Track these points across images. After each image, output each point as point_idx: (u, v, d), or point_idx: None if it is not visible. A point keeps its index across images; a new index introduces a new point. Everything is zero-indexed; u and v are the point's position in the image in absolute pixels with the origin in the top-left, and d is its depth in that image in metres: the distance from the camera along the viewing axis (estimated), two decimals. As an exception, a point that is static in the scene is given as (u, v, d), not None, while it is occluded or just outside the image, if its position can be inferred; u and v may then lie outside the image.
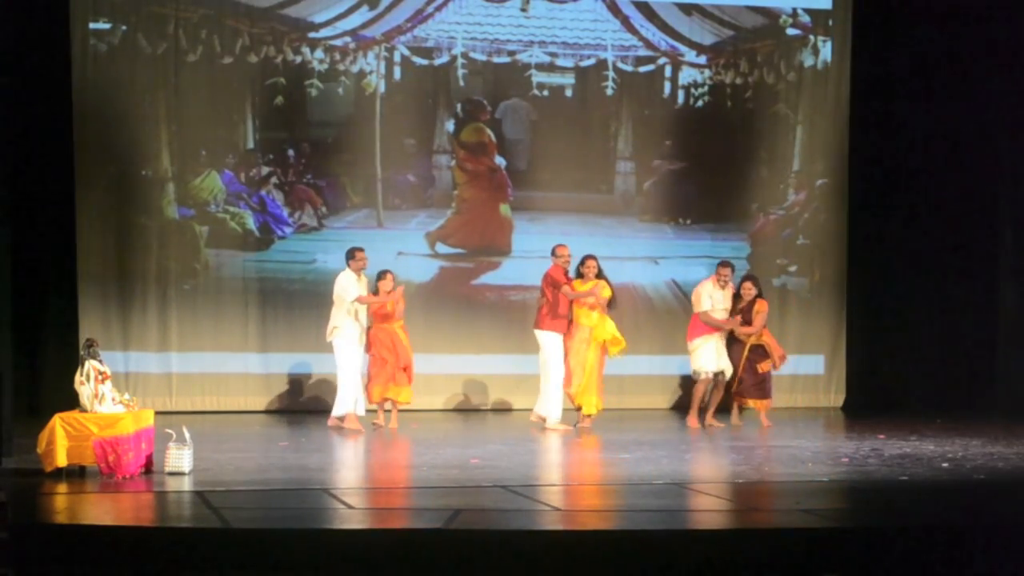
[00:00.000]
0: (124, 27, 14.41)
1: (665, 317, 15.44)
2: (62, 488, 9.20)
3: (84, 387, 9.67)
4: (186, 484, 9.36)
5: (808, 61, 15.99)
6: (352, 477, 10.70)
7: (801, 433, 13.23)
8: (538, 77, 15.45)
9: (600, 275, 13.19)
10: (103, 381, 9.72)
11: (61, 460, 9.45)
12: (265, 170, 14.84)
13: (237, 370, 14.70)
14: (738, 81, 15.83)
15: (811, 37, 16.01)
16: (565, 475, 10.90)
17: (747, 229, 15.92)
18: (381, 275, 13.09)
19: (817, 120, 16.00)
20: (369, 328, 13.02)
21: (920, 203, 15.88)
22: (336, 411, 13.03)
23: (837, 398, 16.08)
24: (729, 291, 13.59)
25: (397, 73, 15.12)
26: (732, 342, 13.54)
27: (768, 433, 13.07)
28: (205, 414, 14.19)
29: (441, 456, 11.06)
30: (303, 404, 14.74)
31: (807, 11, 15.99)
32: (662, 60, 15.66)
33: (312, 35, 14.89)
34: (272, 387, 14.80)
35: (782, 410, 15.35)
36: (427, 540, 7.70)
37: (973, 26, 15.45)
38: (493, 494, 9.14)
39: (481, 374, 15.23)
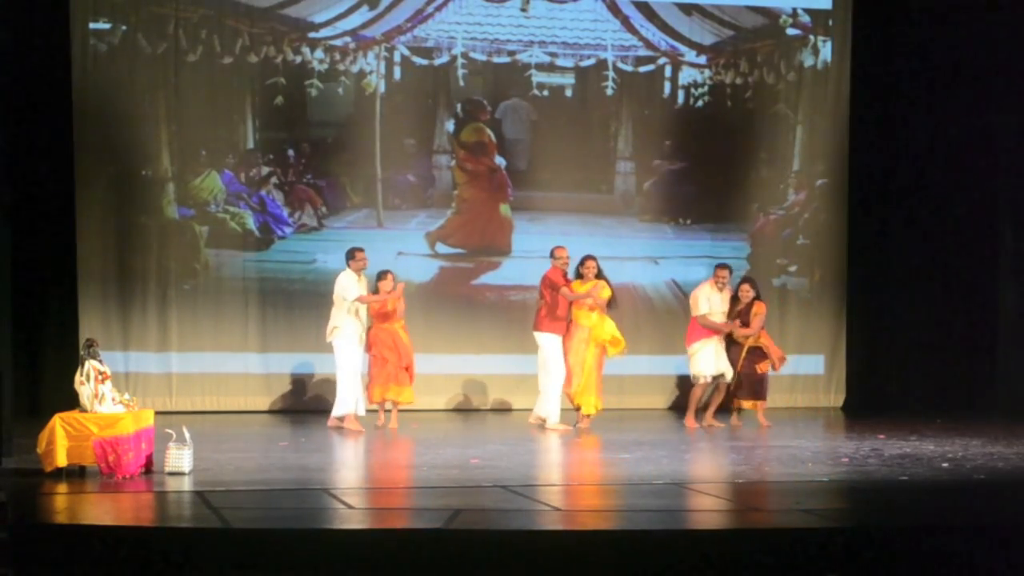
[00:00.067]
0: (124, 27, 14.41)
1: (665, 317, 15.44)
2: (62, 488, 9.20)
3: (84, 387, 9.67)
4: (186, 484, 9.36)
5: (808, 61, 15.99)
6: (352, 477, 10.70)
7: (801, 433, 13.23)
8: (538, 77, 15.45)
9: (599, 275, 13.19)
10: (103, 381, 9.72)
11: (61, 460, 9.45)
12: (265, 170, 14.85)
13: (237, 370, 14.70)
14: (738, 81, 15.83)
15: (811, 37, 16.01)
16: (565, 475, 10.90)
17: (747, 229, 15.92)
18: (381, 275, 13.09)
19: (817, 120, 16.00)
20: (369, 328, 13.02)
21: (920, 203, 15.88)
22: (336, 412, 13.03)
23: (837, 398, 16.08)
24: (727, 294, 13.59)
25: (397, 73, 15.12)
26: (730, 344, 13.54)
27: (768, 433, 13.07)
28: (205, 414, 14.19)
29: (441, 456, 11.06)
30: (303, 404, 14.74)
31: (807, 11, 16.00)
32: (662, 60, 15.66)
33: (312, 35, 14.89)
34: (272, 387, 14.80)
35: (782, 410, 15.37)
36: (427, 540, 7.70)
37: (973, 26, 15.45)
38: (493, 494, 9.14)
39: (481, 374, 15.23)
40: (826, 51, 16.02)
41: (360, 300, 12.87)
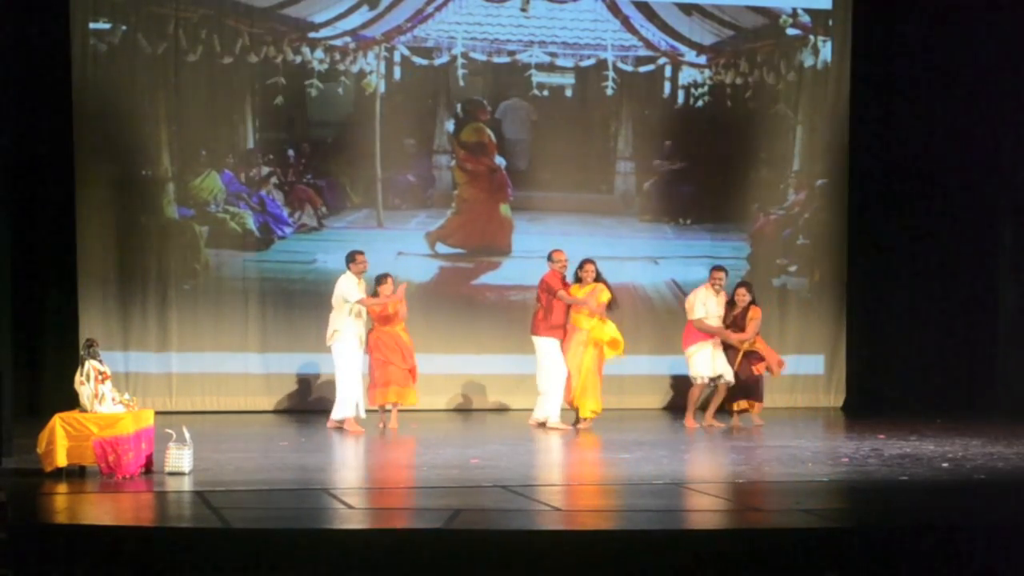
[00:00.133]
0: (124, 27, 14.41)
1: (665, 317, 15.43)
2: (62, 488, 9.20)
3: (84, 387, 9.67)
4: (186, 484, 9.36)
5: (808, 61, 15.99)
6: (352, 477, 10.70)
7: (801, 433, 13.23)
8: (538, 77, 15.45)
9: (598, 279, 13.19)
10: (103, 381, 9.72)
11: (61, 460, 9.45)
12: (265, 170, 14.84)
13: (237, 370, 14.69)
14: (738, 81, 15.83)
15: (811, 37, 16.01)
16: (565, 475, 10.90)
17: (747, 229, 15.92)
18: (381, 279, 13.07)
19: (817, 120, 16.00)
20: (370, 331, 13.01)
21: (920, 203, 15.87)
22: (335, 414, 13.01)
23: (837, 398, 16.08)
24: (723, 297, 13.59)
25: (397, 73, 15.12)
26: (727, 346, 13.55)
27: (766, 433, 13.06)
28: (205, 414, 14.19)
29: (441, 456, 11.06)
30: (303, 404, 14.73)
31: (807, 11, 15.99)
32: (662, 60, 15.66)
33: (312, 35, 14.89)
34: (272, 387, 14.80)
35: (782, 410, 15.38)
36: (427, 540, 7.71)
37: (973, 26, 15.45)
38: (493, 494, 9.14)
39: (481, 374, 15.23)
40: (826, 51, 16.02)
41: (362, 303, 12.86)
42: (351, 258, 13.05)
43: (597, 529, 8.25)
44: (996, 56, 15.40)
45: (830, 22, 16.02)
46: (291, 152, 14.92)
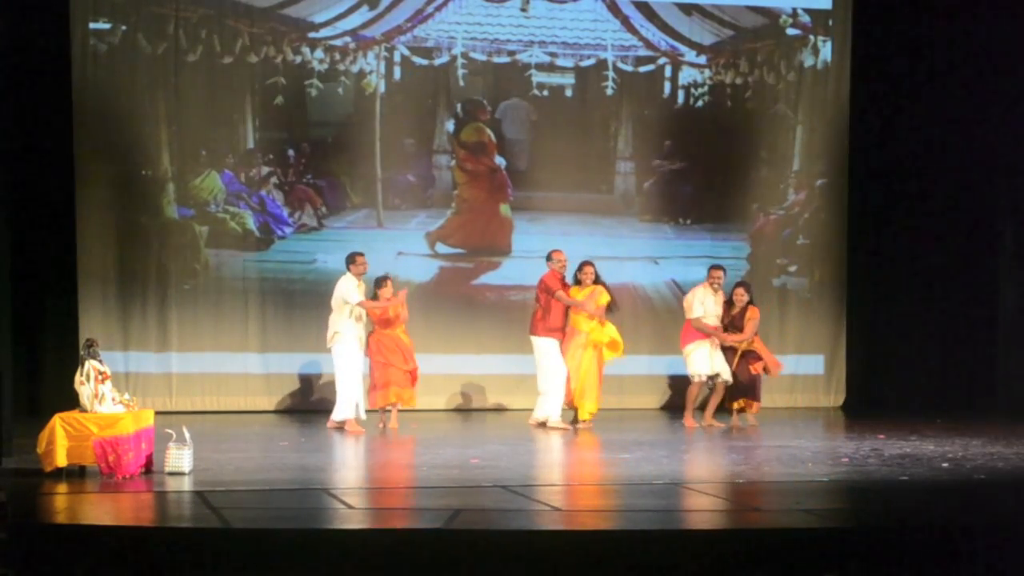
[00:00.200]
0: (124, 27, 14.41)
1: (665, 317, 15.43)
2: (62, 488, 9.20)
3: (84, 387, 9.67)
4: (186, 484, 9.36)
5: (808, 61, 15.99)
6: (352, 477, 10.70)
7: (801, 433, 13.23)
8: (538, 77, 15.45)
9: (597, 281, 13.19)
10: (103, 381, 9.72)
11: (61, 460, 9.45)
12: (265, 170, 14.84)
13: (237, 370, 14.70)
14: (738, 81, 15.83)
15: (811, 37, 16.01)
16: (565, 475, 10.90)
17: (747, 229, 15.92)
18: (380, 283, 13.05)
19: (817, 120, 16.00)
20: (370, 334, 13.01)
21: (920, 203, 15.88)
22: (335, 416, 13.01)
23: (837, 398, 16.08)
24: (721, 296, 13.59)
25: (397, 73, 15.12)
26: (725, 348, 13.55)
27: (763, 433, 13.05)
28: (205, 414, 14.19)
29: (441, 456, 11.06)
30: (303, 404, 14.73)
31: (807, 11, 16.00)
32: (662, 60, 15.66)
33: (312, 35, 14.89)
34: (272, 387, 14.80)
35: (782, 410, 15.39)
36: (427, 540, 7.71)
37: (973, 26, 15.46)
38: (493, 494, 9.14)
39: (481, 374, 15.23)
40: (826, 51, 16.02)
41: (362, 306, 12.86)
42: (351, 259, 13.04)
43: (597, 529, 8.25)
44: (996, 56, 15.40)
45: (830, 22, 16.02)
46: (291, 152, 14.92)
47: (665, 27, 15.65)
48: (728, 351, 13.52)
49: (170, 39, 14.50)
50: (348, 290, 12.86)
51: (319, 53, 14.89)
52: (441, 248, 15.28)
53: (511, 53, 15.38)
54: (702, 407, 13.88)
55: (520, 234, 15.35)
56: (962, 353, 15.79)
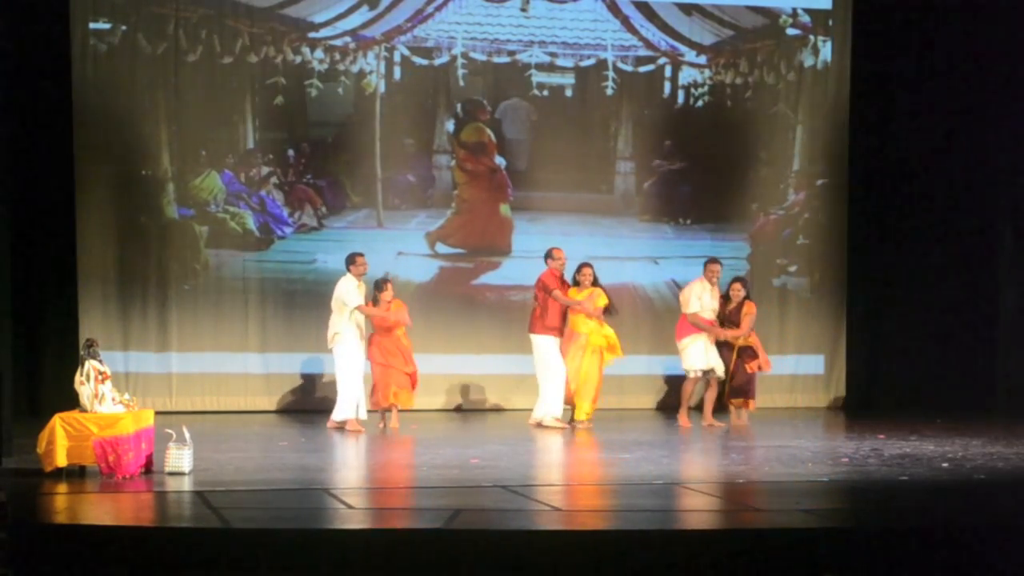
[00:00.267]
0: (124, 27, 14.41)
1: (665, 317, 15.40)
2: (62, 488, 9.20)
3: (84, 387, 9.67)
4: (186, 484, 9.36)
5: (808, 61, 15.99)
6: (352, 477, 10.70)
7: (801, 433, 13.22)
8: (538, 77, 15.45)
9: (596, 283, 13.19)
10: (103, 381, 9.72)
11: (61, 460, 9.45)
12: (265, 170, 14.84)
13: (237, 370, 14.69)
14: (738, 81, 15.83)
15: (811, 37, 16.01)
16: (565, 475, 10.90)
17: (747, 229, 15.92)
18: (381, 285, 13.04)
19: (817, 120, 16.00)
20: (371, 336, 13.00)
21: (920, 203, 15.88)
22: (336, 416, 13.01)
23: (837, 398, 16.08)
24: (717, 291, 13.60)
25: (397, 73, 15.12)
26: (722, 343, 13.56)
27: (762, 433, 13.05)
28: (205, 414, 14.19)
29: (441, 456, 11.05)
30: (303, 404, 14.73)
31: (807, 11, 15.99)
32: (662, 60, 15.66)
33: (312, 35, 14.89)
34: (272, 387, 14.80)
35: (782, 410, 15.39)
36: (427, 540, 7.71)
37: (973, 25, 15.46)
38: (493, 494, 9.14)
39: (481, 374, 15.23)
40: (826, 51, 16.02)
41: (359, 310, 12.85)
42: (351, 260, 13.04)
43: (597, 529, 8.25)
44: (996, 55, 15.39)
45: (830, 22, 16.02)
46: (291, 152, 14.92)
47: (665, 27, 15.65)
48: (725, 348, 13.52)
49: (170, 39, 14.50)
50: (346, 292, 12.86)
51: (319, 53, 14.89)
52: (441, 248, 15.28)
53: (511, 53, 15.38)
54: (698, 407, 13.87)
55: (520, 234, 15.35)
56: (962, 353, 15.79)
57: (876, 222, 16.05)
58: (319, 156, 14.99)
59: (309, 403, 14.65)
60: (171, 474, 9.57)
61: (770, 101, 15.92)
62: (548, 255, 13.33)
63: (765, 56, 15.89)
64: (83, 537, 7.70)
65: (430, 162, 15.27)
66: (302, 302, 14.71)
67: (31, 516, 8.16)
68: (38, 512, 8.44)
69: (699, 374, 13.56)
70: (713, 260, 13.75)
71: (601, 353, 13.19)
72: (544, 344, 13.15)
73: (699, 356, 13.49)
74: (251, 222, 14.78)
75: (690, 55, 15.72)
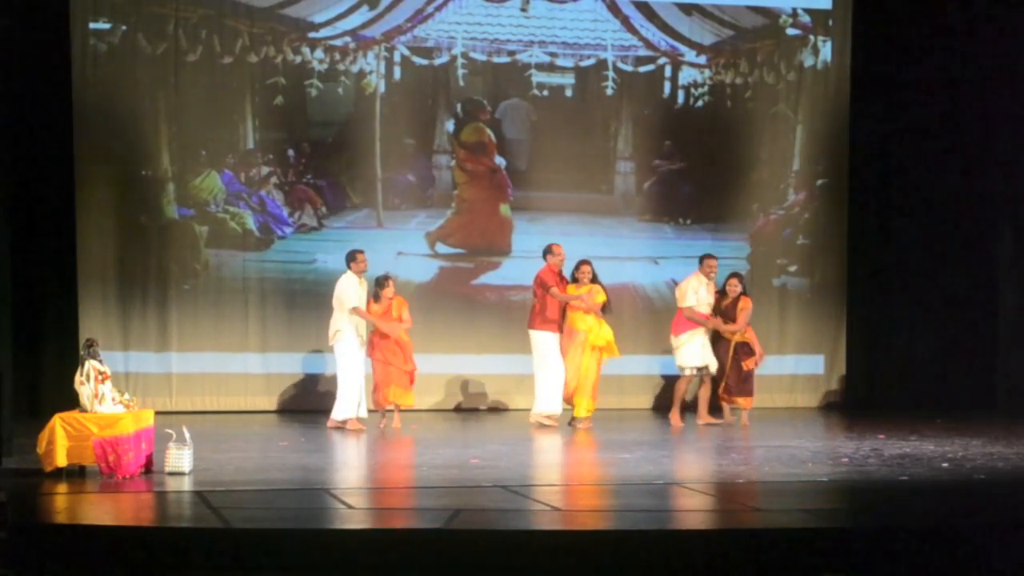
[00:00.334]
0: (124, 27, 14.41)
1: (665, 317, 15.34)
2: (62, 488, 9.20)
3: (84, 387, 9.67)
4: (186, 484, 9.36)
5: (808, 61, 15.99)
6: (352, 477, 10.70)
7: (801, 433, 13.22)
8: (538, 77, 15.45)
9: (594, 280, 13.19)
10: (103, 381, 9.72)
11: (61, 460, 9.45)
12: (265, 170, 14.84)
13: (237, 370, 14.69)
14: (738, 81, 15.83)
15: (811, 37, 16.00)
16: (565, 475, 10.90)
17: (747, 229, 15.92)
18: (382, 283, 13.06)
19: (817, 120, 15.99)
20: (372, 333, 13.01)
21: (920, 203, 15.88)
22: (336, 415, 13.01)
23: (837, 398, 16.07)
24: (713, 286, 13.61)
25: (397, 73, 15.12)
26: (717, 339, 13.57)
27: (761, 433, 13.05)
28: (205, 414, 14.19)
29: (441, 456, 11.06)
30: (303, 404, 14.72)
31: (807, 11, 15.99)
32: (662, 60, 15.66)
33: (312, 35, 14.89)
34: (272, 387, 14.80)
35: (782, 410, 15.39)
36: (427, 540, 7.71)
37: (973, 25, 15.46)
38: (493, 494, 9.14)
39: (481, 374, 15.23)
40: (826, 51, 16.02)
41: (356, 312, 12.85)
42: (351, 257, 13.06)
43: (597, 529, 8.25)
44: (996, 55, 15.40)
45: (830, 22, 16.02)
46: (291, 152, 14.92)
47: (665, 27, 15.65)
48: (721, 344, 13.52)
49: (170, 39, 14.50)
50: (345, 289, 12.87)
51: (319, 53, 14.89)
52: (441, 248, 15.28)
53: (511, 53, 15.38)
54: (691, 406, 13.86)
55: (520, 234, 15.35)
56: (962, 353, 15.79)
57: (876, 222, 16.05)
58: (319, 156, 14.99)
59: (309, 403, 14.65)
60: (171, 474, 9.58)
61: (770, 101, 15.91)
62: (547, 251, 13.34)
63: (765, 56, 15.89)
64: (83, 537, 7.70)
65: (430, 162, 15.27)
66: (302, 302, 14.71)
67: (31, 516, 8.16)
68: (38, 512, 8.44)
69: (694, 372, 13.56)
70: (710, 256, 13.78)
71: (600, 352, 13.19)
72: (543, 340, 13.15)
73: (695, 354, 13.49)
74: (251, 222, 14.78)
75: (690, 55, 15.72)
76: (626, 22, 15.55)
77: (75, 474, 9.57)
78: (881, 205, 16.06)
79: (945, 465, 10.72)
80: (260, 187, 14.80)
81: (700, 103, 15.80)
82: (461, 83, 15.26)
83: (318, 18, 14.90)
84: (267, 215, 14.83)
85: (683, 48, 15.69)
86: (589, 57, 15.52)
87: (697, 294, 13.49)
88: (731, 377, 13.54)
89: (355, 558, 7.51)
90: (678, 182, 15.80)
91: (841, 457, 11.19)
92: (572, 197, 15.58)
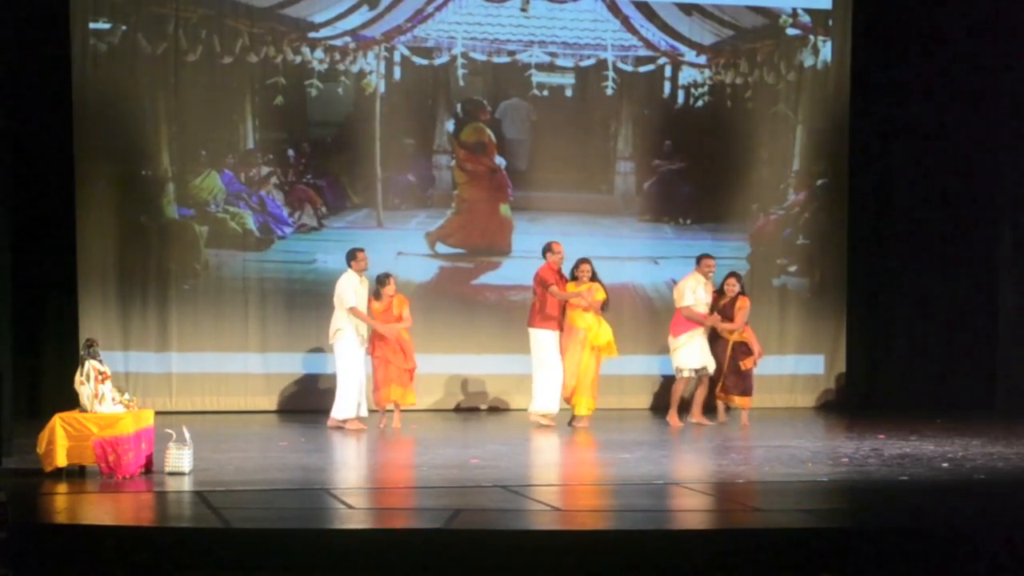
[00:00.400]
0: (124, 27, 14.41)
1: (665, 317, 15.33)
2: (62, 488, 9.20)
3: (84, 387, 9.67)
4: (186, 484, 9.36)
5: (808, 61, 15.99)
6: (352, 477, 10.70)
7: (801, 433, 13.22)
8: (538, 77, 15.45)
9: (594, 278, 13.20)
10: (103, 381, 9.72)
11: (61, 460, 9.45)
12: (265, 170, 14.84)
13: (237, 370, 14.69)
14: (738, 81, 15.83)
15: (811, 37, 16.01)
16: (565, 475, 10.90)
17: (747, 229, 15.92)
18: (383, 280, 13.07)
19: (817, 120, 15.99)
20: (373, 331, 13.01)
21: (920, 203, 15.88)
22: (336, 414, 13.01)
23: (837, 398, 16.06)
24: (711, 286, 13.61)
25: (397, 73, 15.12)
26: (715, 339, 13.58)
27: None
28: (205, 414, 14.19)
29: (441, 456, 11.06)
30: (303, 404, 14.72)
31: (807, 11, 15.99)
32: (662, 60, 15.66)
33: (312, 35, 14.89)
34: (272, 387, 14.80)
35: (782, 410, 15.39)
36: (427, 540, 7.71)
37: (973, 25, 15.46)
38: (493, 494, 9.14)
39: (481, 374, 15.23)
40: (826, 51, 16.02)
41: (353, 313, 12.84)
42: (352, 256, 13.07)
43: (597, 529, 8.25)
44: (996, 55, 15.40)
45: (830, 22, 16.02)
46: (291, 152, 14.92)
47: (665, 27, 15.65)
48: (719, 344, 13.53)
49: (170, 39, 14.50)
50: (345, 288, 12.88)
51: (319, 53, 14.89)
52: (441, 248, 15.28)
53: (511, 53, 15.38)
54: (687, 407, 13.86)
55: (520, 234, 15.35)
56: (962, 353, 15.79)
57: (876, 222, 16.05)
58: (319, 156, 14.99)
59: (309, 403, 14.65)
60: (171, 474, 9.58)
61: (770, 101, 15.91)
62: (547, 249, 13.34)
63: (765, 56, 15.89)
64: (83, 537, 7.70)
65: (430, 162, 15.27)
66: (302, 302, 14.71)
67: (31, 516, 8.16)
68: (38, 512, 8.44)
69: (692, 373, 13.56)
70: (708, 255, 13.79)
71: (599, 351, 13.19)
72: (542, 338, 13.15)
73: (694, 355, 13.49)
74: (251, 222, 14.78)
75: (690, 55, 15.72)
76: (626, 22, 15.55)
77: (75, 474, 9.57)
78: (881, 205, 16.06)
79: (945, 465, 10.72)
80: (260, 187, 14.81)
81: (700, 103, 15.80)
82: (461, 83, 15.26)
83: (318, 18, 14.91)
84: (267, 215, 14.83)
85: (683, 48, 15.69)
86: (589, 57, 15.52)
87: (695, 294, 13.49)
88: (728, 376, 13.54)
89: (355, 558, 7.51)
90: (678, 182, 15.80)
91: (841, 457, 11.19)
92: (572, 197, 15.58)
